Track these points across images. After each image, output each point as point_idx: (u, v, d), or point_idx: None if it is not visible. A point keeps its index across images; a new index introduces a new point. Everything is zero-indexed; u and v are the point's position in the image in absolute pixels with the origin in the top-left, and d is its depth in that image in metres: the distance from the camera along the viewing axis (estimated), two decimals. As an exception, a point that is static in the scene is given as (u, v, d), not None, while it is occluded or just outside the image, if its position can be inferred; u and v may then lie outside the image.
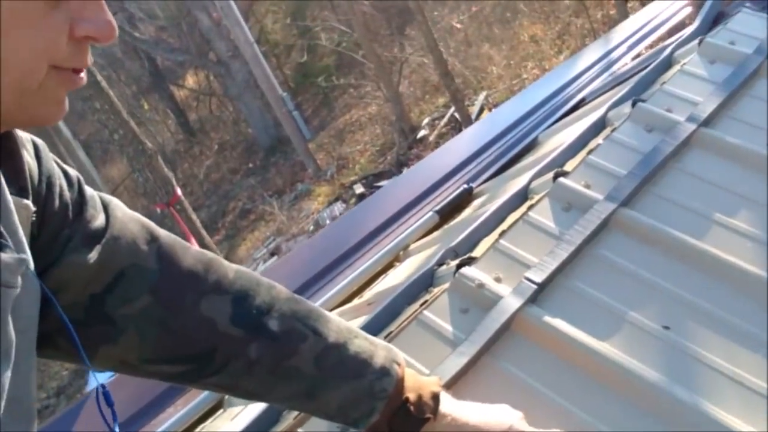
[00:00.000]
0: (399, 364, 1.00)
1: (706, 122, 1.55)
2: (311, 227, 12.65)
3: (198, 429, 1.72)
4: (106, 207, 0.92)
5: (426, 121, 13.44)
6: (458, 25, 14.49)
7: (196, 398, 1.77)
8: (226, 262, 0.98)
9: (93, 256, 0.86)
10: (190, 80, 20.04)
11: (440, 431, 0.99)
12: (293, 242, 12.33)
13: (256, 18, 17.44)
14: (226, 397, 1.76)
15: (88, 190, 0.92)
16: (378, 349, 1.00)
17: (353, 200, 12.54)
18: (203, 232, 8.40)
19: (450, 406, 1.02)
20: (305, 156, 14.34)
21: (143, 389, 1.93)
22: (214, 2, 13.55)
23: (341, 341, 0.97)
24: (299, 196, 14.26)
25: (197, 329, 0.92)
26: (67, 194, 0.87)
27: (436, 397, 1.00)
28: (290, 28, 17.97)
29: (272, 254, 12.48)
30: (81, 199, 0.89)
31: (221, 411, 1.75)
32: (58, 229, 0.85)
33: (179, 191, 7.80)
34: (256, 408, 1.36)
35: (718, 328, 1.19)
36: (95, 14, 0.72)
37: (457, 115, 12.44)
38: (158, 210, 7.61)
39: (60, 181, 0.87)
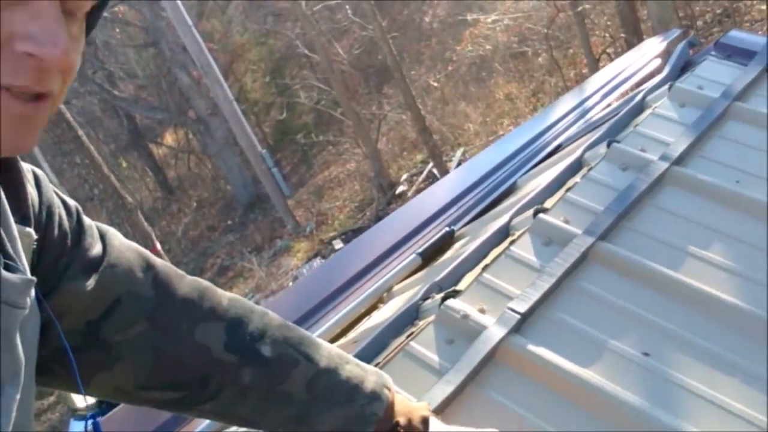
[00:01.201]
0: (389, 389, 1.02)
1: (678, 161, 1.61)
2: (290, 283, 12.60)
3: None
4: (103, 236, 0.94)
5: (404, 177, 13.56)
6: (435, 84, 14.76)
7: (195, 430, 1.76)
8: (220, 290, 1.01)
9: (90, 283, 0.88)
10: (169, 138, 20.12)
11: None
12: (272, 298, 12.26)
13: (236, 76, 17.65)
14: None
15: (86, 220, 0.95)
16: (368, 375, 1.02)
17: (333, 256, 12.52)
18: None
19: (439, 430, 1.04)
20: (284, 212, 14.37)
21: (140, 424, 1.91)
22: (194, 61, 13.70)
23: (332, 366, 0.99)
24: (278, 252, 14.23)
25: (192, 356, 0.94)
26: (66, 223, 0.90)
27: (425, 422, 1.02)
28: (269, 86, 18.18)
29: (251, 311, 12.37)
30: (79, 228, 0.92)
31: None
32: (57, 257, 0.87)
33: (158, 245, 7.78)
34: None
35: (695, 353, 1.22)
36: (42, 31, 0.66)
37: (435, 170, 12.58)
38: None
39: (59, 210, 0.90)
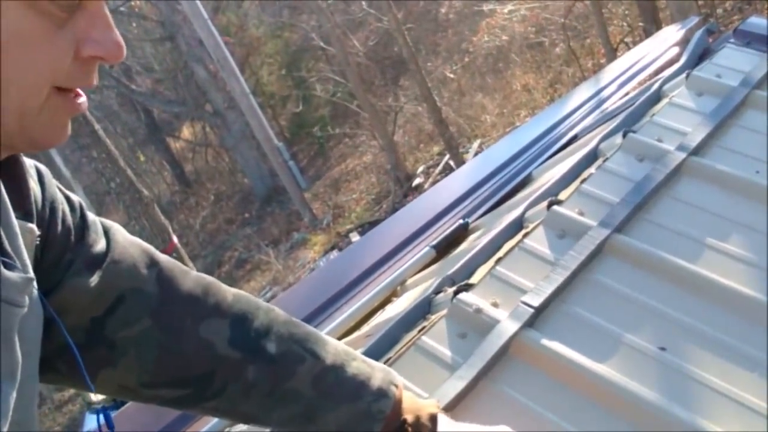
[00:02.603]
0: (397, 386, 1.01)
1: (696, 151, 1.58)
2: (308, 276, 12.63)
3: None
4: (107, 232, 0.93)
5: (421, 169, 13.53)
6: (451, 75, 14.70)
7: (202, 429, 1.76)
8: (224, 286, 0.99)
9: (94, 279, 0.87)
10: (186, 132, 20.20)
11: None
12: (285, 292, 12.29)
13: (252, 70, 17.67)
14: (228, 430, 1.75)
15: (90, 216, 0.94)
16: (375, 371, 1.01)
17: (346, 249, 12.53)
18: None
19: (448, 427, 1.02)
20: (301, 205, 14.39)
21: (145, 424, 1.91)
22: (210, 55, 13.73)
23: (339, 363, 0.98)
24: (295, 245, 14.26)
25: (196, 352, 0.93)
26: (69, 219, 0.89)
27: (434, 419, 1.00)
28: (285, 79, 18.20)
29: (269, 303, 12.41)
30: (83, 224, 0.91)
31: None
32: (61, 253, 0.86)
33: (175, 239, 7.81)
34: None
35: (713, 348, 1.20)
36: (102, 33, 0.71)
37: (451, 162, 12.54)
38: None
39: (63, 206, 0.89)
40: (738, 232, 1.40)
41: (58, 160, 11.64)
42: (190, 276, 0.97)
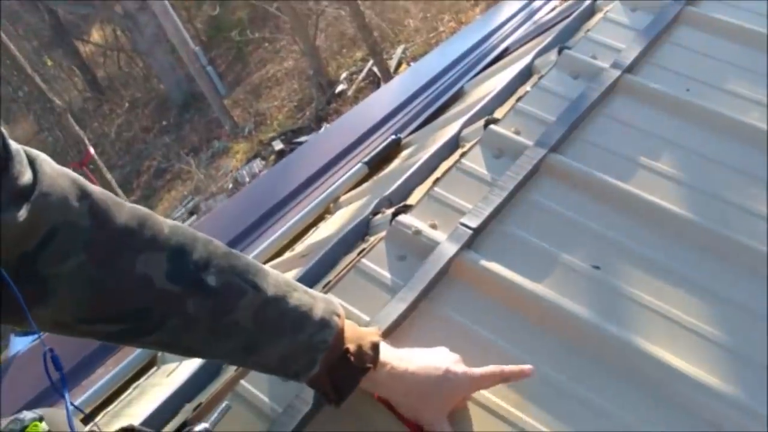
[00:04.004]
0: (339, 316, 1.00)
1: (629, 69, 1.59)
2: (230, 185, 12.45)
3: (131, 387, 1.70)
4: (32, 162, 0.87)
5: (344, 75, 13.32)
6: (374, -23, 14.33)
7: (128, 357, 1.74)
8: (161, 218, 0.95)
9: (22, 213, 0.82)
10: (96, 35, 19.21)
11: (380, 380, 1.01)
12: (212, 201, 12.12)
13: (165, -31, 16.79)
14: (159, 354, 1.73)
15: (14, 145, 0.87)
16: (317, 302, 1.00)
17: (272, 157, 12.37)
18: (119, 192, 8.16)
19: (389, 354, 1.03)
20: (221, 113, 14.03)
21: (71, 350, 1.88)
22: (119, -48, 12.97)
23: (280, 295, 0.96)
24: (216, 153, 13.98)
25: (133, 287, 0.89)
26: None
27: (375, 347, 1.01)
28: (201, -21, 17.40)
29: (191, 213, 12.24)
30: (6, 155, 0.84)
31: (155, 368, 1.73)
32: None
33: (92, 150, 7.53)
34: (193, 363, 1.35)
35: (645, 266, 1.24)
36: None
37: (375, 69, 12.37)
38: (71, 169, 7.32)
39: None
40: (670, 151, 1.43)
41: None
42: (125, 208, 0.92)
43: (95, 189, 0.91)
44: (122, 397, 1.69)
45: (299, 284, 1.01)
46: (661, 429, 1.02)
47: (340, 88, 12.94)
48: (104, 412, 1.68)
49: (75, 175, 0.92)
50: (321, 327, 0.97)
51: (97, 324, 0.91)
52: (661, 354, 1.09)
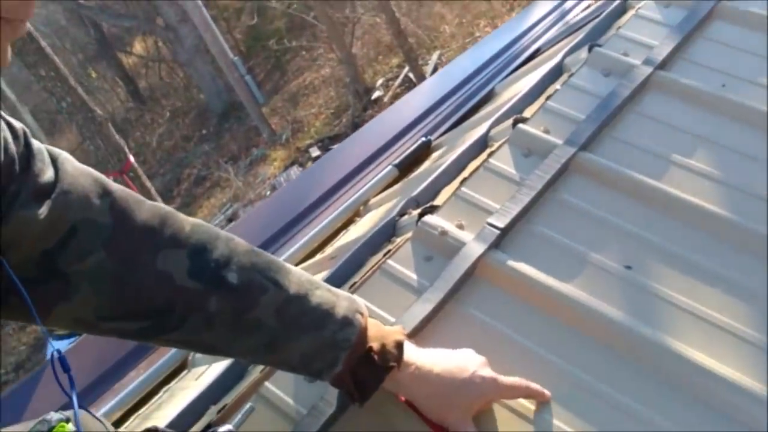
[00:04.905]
0: (362, 314, 0.99)
1: (662, 65, 1.55)
2: (268, 192, 12.54)
3: (162, 390, 1.70)
4: (54, 160, 0.88)
5: (380, 82, 13.33)
6: (409, -16, 14.34)
7: (159, 360, 1.75)
8: (182, 215, 0.95)
9: (43, 211, 0.83)
10: (138, 47, 19.55)
11: (404, 381, 1.00)
12: (251, 208, 12.22)
13: (204, -20, 17.01)
14: (190, 357, 1.74)
15: (36, 143, 0.88)
16: (340, 300, 0.99)
17: (309, 164, 12.42)
18: (158, 199, 8.26)
19: (414, 354, 1.01)
20: (259, 121, 14.14)
21: (105, 353, 1.90)
22: (159, -35, 13.18)
23: (302, 293, 0.95)
24: (255, 161, 14.09)
25: (154, 284, 0.89)
26: (12, 147, 0.83)
27: (399, 346, 0.99)
28: (239, -10, 17.59)
29: (230, 220, 12.35)
30: (28, 152, 0.86)
31: (186, 372, 1.73)
32: (5, 184, 0.81)
33: (132, 158, 7.64)
34: (221, 366, 1.34)
35: (678, 265, 1.20)
36: None
37: (411, 75, 12.36)
38: (111, 178, 7.45)
39: (4, 134, 0.83)
40: (704, 147, 1.39)
41: (2, 82, 11.24)
42: (145, 206, 0.92)
43: (117, 187, 0.92)
44: (153, 400, 1.70)
45: (322, 282, 1.01)
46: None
47: (376, 94, 12.97)
48: (136, 414, 1.69)
49: (97, 173, 0.93)
50: (344, 325, 0.96)
51: (117, 321, 0.91)
52: (695, 356, 1.06)
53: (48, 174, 0.86)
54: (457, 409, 1.00)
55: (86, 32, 18.34)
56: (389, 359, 0.97)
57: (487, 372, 1.02)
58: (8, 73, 13.19)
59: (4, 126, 0.84)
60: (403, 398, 1.04)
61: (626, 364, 1.08)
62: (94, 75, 18.88)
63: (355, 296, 1.03)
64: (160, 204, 0.96)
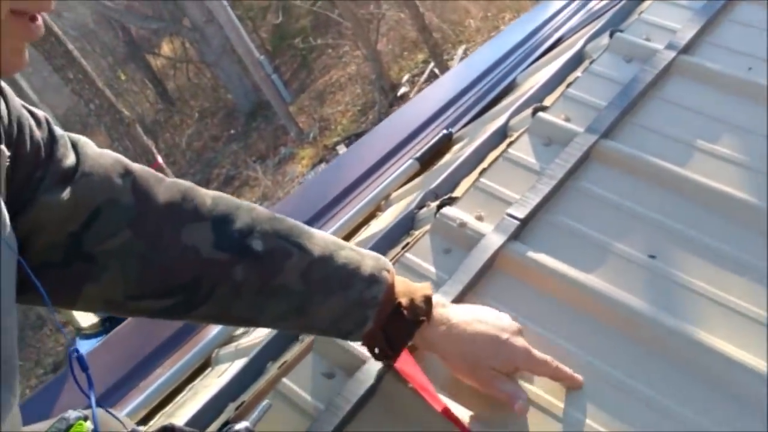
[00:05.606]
0: (388, 271, 0.99)
1: (686, 49, 1.51)
2: (290, 194, 12.58)
3: (186, 389, 1.70)
4: (75, 145, 0.90)
5: (406, 78, 13.30)
6: (434, -22, 14.27)
7: (183, 358, 1.75)
8: (202, 190, 0.96)
9: (67, 194, 0.85)
10: (166, 48, 19.71)
11: (436, 340, 0.98)
12: (269, 209, 12.24)
13: (229, -19, 17.10)
14: (214, 354, 1.74)
15: (58, 130, 0.90)
16: (365, 259, 0.98)
17: (328, 164, 12.45)
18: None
19: (446, 312, 1.00)
20: (287, 119, 14.19)
21: (131, 351, 1.91)
22: (184, -34, 13.27)
23: (327, 254, 0.95)
24: (283, 160, 14.15)
25: (180, 259, 0.90)
26: (37, 135, 0.86)
27: (428, 301, 0.99)
28: (263, -11, 17.66)
29: (259, 219, 12.41)
30: (51, 139, 0.88)
31: (209, 369, 1.73)
32: (31, 170, 0.84)
33: (160, 159, 7.71)
34: (241, 362, 1.34)
35: (703, 254, 1.17)
36: None
37: (436, 70, 12.31)
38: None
39: (29, 122, 0.85)
40: (730, 132, 1.35)
41: (24, 84, 11.39)
42: (166, 183, 0.94)
43: (137, 167, 0.94)
44: (177, 398, 1.70)
45: (347, 243, 1.01)
46: (724, 425, 0.96)
47: (402, 90, 12.94)
48: (161, 413, 1.69)
49: (117, 154, 0.96)
50: (371, 283, 0.96)
51: (147, 299, 0.92)
52: (723, 346, 1.02)
53: (70, 158, 0.88)
54: (486, 371, 0.98)
55: (115, 35, 18.56)
56: (419, 313, 0.97)
57: (521, 341, 1.00)
58: (40, 77, 13.38)
59: (27, 115, 0.86)
60: (414, 382, 1.01)
61: (653, 357, 1.05)
62: (123, 77, 19.08)
63: (380, 255, 1.02)
64: (180, 180, 0.97)
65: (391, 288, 0.97)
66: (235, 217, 0.93)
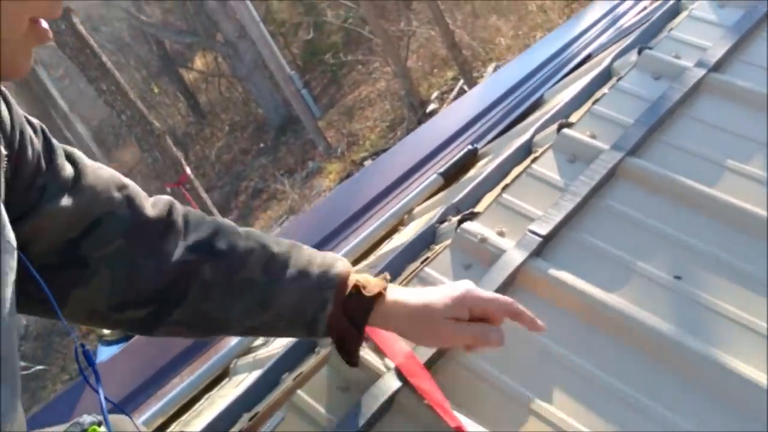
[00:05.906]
0: (342, 261, 1.04)
1: (716, 67, 1.49)
2: (314, 206, 12.61)
3: (204, 398, 1.70)
4: (69, 156, 0.94)
5: (435, 94, 13.31)
6: (465, -3, 14.30)
7: (202, 367, 1.75)
8: (178, 204, 1.03)
9: (70, 204, 0.88)
10: (199, 62, 19.95)
11: (391, 313, 1.01)
12: (292, 221, 12.29)
13: (262, -3, 17.28)
14: (232, 365, 1.74)
15: (54, 140, 0.93)
16: (323, 253, 1.05)
17: (351, 177, 12.45)
18: (214, 211, 8.37)
19: (400, 288, 1.05)
20: (315, 134, 14.26)
21: (150, 359, 1.91)
22: (218, -18, 13.45)
23: (284, 250, 1.02)
24: (310, 174, 14.20)
25: (162, 265, 0.95)
26: (36, 143, 0.88)
27: (384, 279, 1.04)
28: (296, 5, 17.79)
29: (285, 233, 12.47)
30: (49, 148, 0.91)
31: (227, 379, 1.73)
32: (32, 177, 0.86)
33: (188, 170, 7.77)
34: (257, 373, 1.33)
35: (731, 276, 1.14)
36: None
37: (466, 87, 12.30)
38: (168, 189, 7.59)
39: (29, 130, 0.88)
40: (761, 152, 1.32)
41: (55, 93, 11.56)
42: (150, 199, 1.00)
43: (128, 180, 1.00)
44: (195, 407, 1.69)
45: (305, 245, 1.07)
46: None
47: (431, 107, 12.94)
48: (177, 421, 1.69)
49: (110, 168, 1.00)
50: (327, 268, 1.01)
51: (127, 310, 0.96)
52: (749, 371, 1.00)
53: (68, 169, 0.91)
54: (446, 324, 0.99)
55: (149, 49, 18.83)
56: (376, 288, 1.00)
57: (465, 282, 1.03)
58: (76, 88, 13.56)
59: (25, 122, 0.88)
60: (429, 398, 1.00)
61: (676, 380, 1.02)
62: (156, 90, 19.34)
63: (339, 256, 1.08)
64: (161, 196, 1.03)
65: (346, 272, 1.02)
66: (203, 223, 1.00)
